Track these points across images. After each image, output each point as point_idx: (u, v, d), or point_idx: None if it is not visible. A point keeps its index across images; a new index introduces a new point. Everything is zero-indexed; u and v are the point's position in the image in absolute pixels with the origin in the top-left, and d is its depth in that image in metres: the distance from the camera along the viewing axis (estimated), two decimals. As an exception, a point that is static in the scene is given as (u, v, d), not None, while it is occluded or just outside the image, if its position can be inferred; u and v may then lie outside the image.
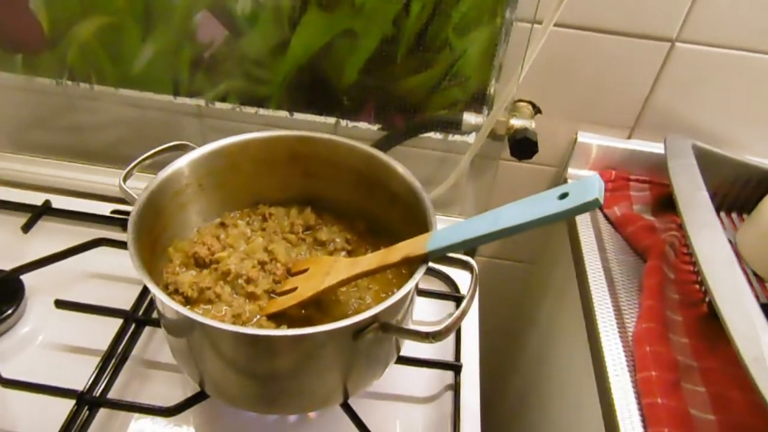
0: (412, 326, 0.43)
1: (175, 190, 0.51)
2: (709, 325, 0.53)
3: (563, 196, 0.37)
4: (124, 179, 0.50)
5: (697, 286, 0.57)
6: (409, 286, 0.42)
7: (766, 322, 0.43)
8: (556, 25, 0.56)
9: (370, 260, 0.47)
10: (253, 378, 0.44)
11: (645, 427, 0.45)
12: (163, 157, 0.54)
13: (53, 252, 0.60)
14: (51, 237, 0.65)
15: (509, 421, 0.79)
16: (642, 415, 0.46)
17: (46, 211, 0.67)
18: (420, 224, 0.49)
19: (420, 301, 0.61)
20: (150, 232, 0.48)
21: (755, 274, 0.59)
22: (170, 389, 0.53)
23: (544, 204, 0.38)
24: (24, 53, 0.70)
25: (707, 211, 0.52)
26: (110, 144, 0.78)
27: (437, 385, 0.56)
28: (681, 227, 0.61)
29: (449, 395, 0.55)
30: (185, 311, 0.40)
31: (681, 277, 0.58)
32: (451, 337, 0.59)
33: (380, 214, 0.56)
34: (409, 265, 0.45)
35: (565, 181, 0.71)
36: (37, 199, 0.69)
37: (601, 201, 0.35)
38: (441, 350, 0.58)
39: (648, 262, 0.57)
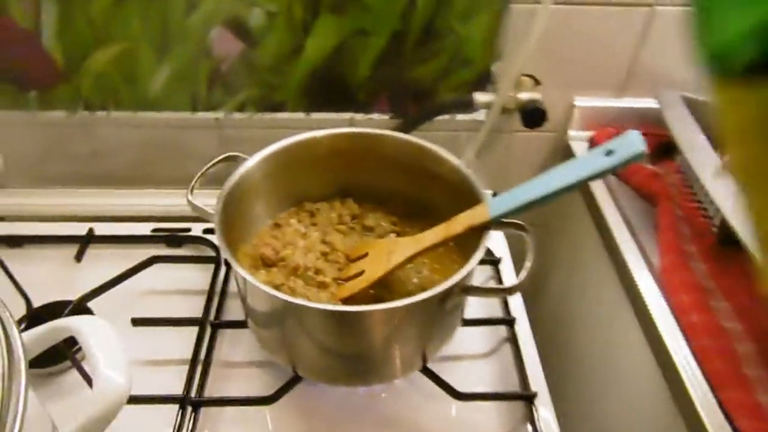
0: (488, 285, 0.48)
1: (239, 196, 0.55)
2: (719, 250, 0.61)
3: (609, 153, 0.44)
4: (191, 193, 0.53)
5: (704, 219, 0.64)
6: (482, 251, 0.47)
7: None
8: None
9: (435, 234, 0.52)
10: (347, 354, 0.49)
11: (687, 340, 0.52)
12: (215, 170, 0.57)
13: (111, 276, 0.62)
14: (101, 263, 0.67)
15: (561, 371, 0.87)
16: (683, 332, 0.53)
17: (91, 239, 0.69)
18: (462, 199, 0.54)
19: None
20: (227, 239, 0.52)
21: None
22: (255, 383, 0.57)
23: (593, 162, 0.44)
24: (38, 90, 0.72)
25: (708, 152, 0.59)
26: (130, 166, 0.80)
27: (492, 341, 0.62)
28: (679, 171, 0.68)
29: (507, 348, 0.61)
30: (282, 295, 0.44)
31: (688, 213, 0.65)
32: (498, 299, 0.65)
33: (418, 195, 0.62)
34: (472, 233, 0.50)
35: (566, 146, 0.78)
36: (79, 229, 0.71)
37: (646, 152, 0.42)
38: (488, 310, 0.64)
39: (659, 204, 0.65)
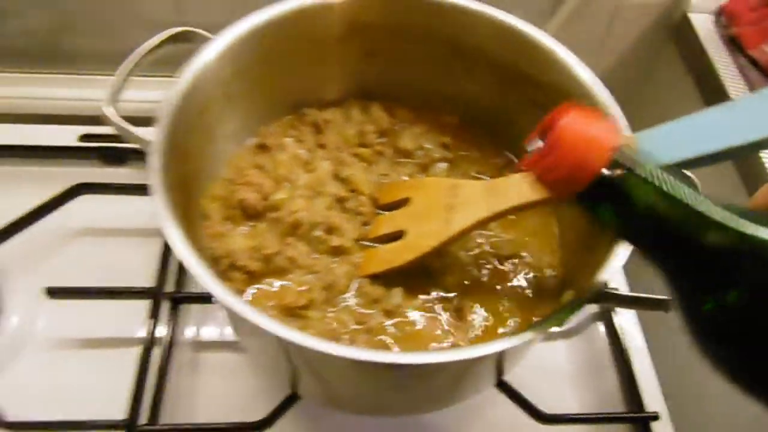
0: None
1: (199, 108, 0.32)
2: None
3: None
4: (112, 103, 0.30)
5: None
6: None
7: None
8: None
9: (529, 185, 0.30)
10: (388, 390, 0.30)
11: None
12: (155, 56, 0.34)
13: (13, 216, 0.41)
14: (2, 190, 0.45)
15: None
16: None
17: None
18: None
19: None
20: (181, 182, 0.30)
21: None
22: (240, 394, 0.38)
23: None
24: None
25: None
26: (43, 34, 0.54)
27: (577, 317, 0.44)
28: None
29: (598, 326, 0.42)
30: (283, 331, 0.24)
31: None
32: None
33: (492, 101, 0.39)
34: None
35: (682, 20, 0.53)
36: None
37: None
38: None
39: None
